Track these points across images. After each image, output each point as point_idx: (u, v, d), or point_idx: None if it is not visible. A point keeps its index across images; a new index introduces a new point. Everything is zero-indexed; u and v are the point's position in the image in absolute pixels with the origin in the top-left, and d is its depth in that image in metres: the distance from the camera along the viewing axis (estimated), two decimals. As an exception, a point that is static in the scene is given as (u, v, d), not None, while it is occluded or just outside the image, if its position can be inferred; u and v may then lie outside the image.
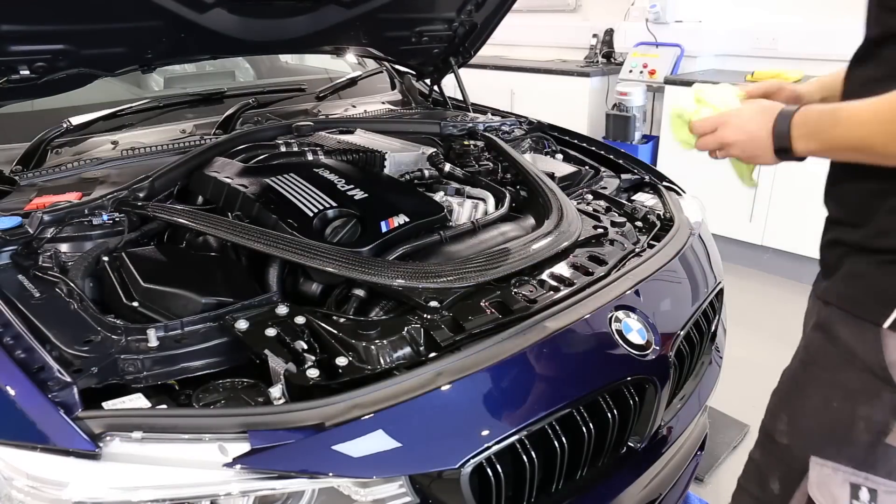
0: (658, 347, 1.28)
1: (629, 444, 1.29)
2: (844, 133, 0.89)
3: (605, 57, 4.62)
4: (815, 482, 1.00)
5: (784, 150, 0.96)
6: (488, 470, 1.03)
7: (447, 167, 1.83)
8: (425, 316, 1.18)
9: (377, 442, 0.95)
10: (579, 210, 1.64)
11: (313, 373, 1.02)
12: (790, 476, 1.05)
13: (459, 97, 2.49)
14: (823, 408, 0.99)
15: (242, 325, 1.10)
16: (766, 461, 1.11)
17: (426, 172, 1.74)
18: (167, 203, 1.54)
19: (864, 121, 0.87)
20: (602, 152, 2.13)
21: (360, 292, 1.27)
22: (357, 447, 0.94)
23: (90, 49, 1.62)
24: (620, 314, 1.28)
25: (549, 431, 1.11)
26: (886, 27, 0.90)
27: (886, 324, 0.91)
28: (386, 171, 1.73)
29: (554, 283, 1.33)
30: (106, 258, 1.27)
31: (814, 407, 0.99)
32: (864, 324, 0.93)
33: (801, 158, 0.97)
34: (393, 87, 2.62)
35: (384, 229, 1.39)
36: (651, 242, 1.59)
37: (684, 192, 1.91)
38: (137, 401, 0.98)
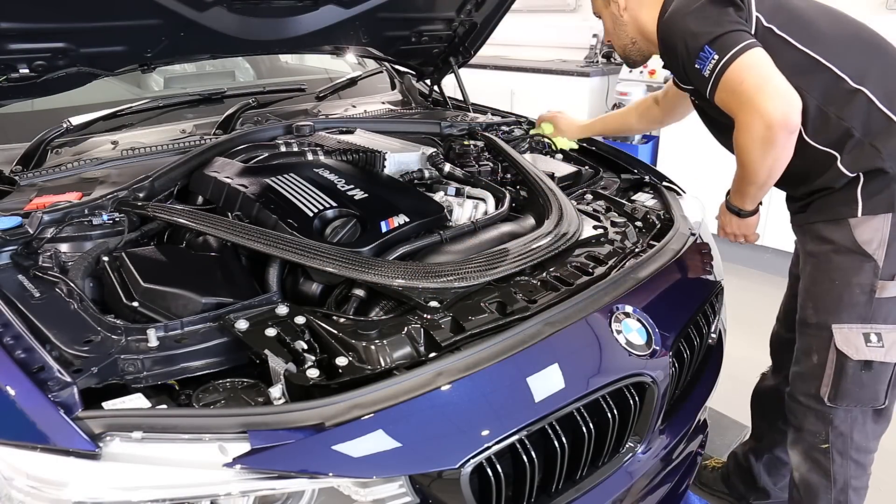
0: (658, 347, 1.28)
1: (629, 444, 1.29)
2: (741, 180, 1.49)
3: (605, 57, 4.62)
4: (841, 341, 1.44)
5: (738, 212, 1.58)
6: (488, 470, 1.03)
7: (447, 167, 1.83)
8: (425, 316, 1.18)
9: (377, 442, 0.96)
10: (579, 210, 1.64)
11: (313, 373, 1.02)
12: (822, 345, 1.48)
13: (459, 97, 2.49)
14: (831, 288, 1.45)
15: (242, 325, 1.10)
16: (806, 343, 1.54)
17: (426, 172, 1.74)
18: (167, 203, 1.54)
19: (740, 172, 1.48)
20: (602, 152, 2.13)
21: (360, 292, 1.26)
22: (357, 447, 0.94)
23: (90, 48, 1.62)
24: (620, 314, 1.28)
25: (549, 431, 1.11)
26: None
27: (852, 218, 1.41)
28: (386, 171, 1.73)
29: (554, 283, 1.33)
30: (106, 258, 1.27)
31: (826, 289, 1.46)
32: (840, 222, 1.43)
33: (754, 211, 1.58)
34: (393, 87, 2.62)
35: (384, 229, 1.39)
36: (651, 242, 1.59)
37: (684, 192, 1.91)
38: (137, 401, 0.98)
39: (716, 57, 1.32)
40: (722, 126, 1.52)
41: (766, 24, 1.38)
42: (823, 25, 1.41)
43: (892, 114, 1.37)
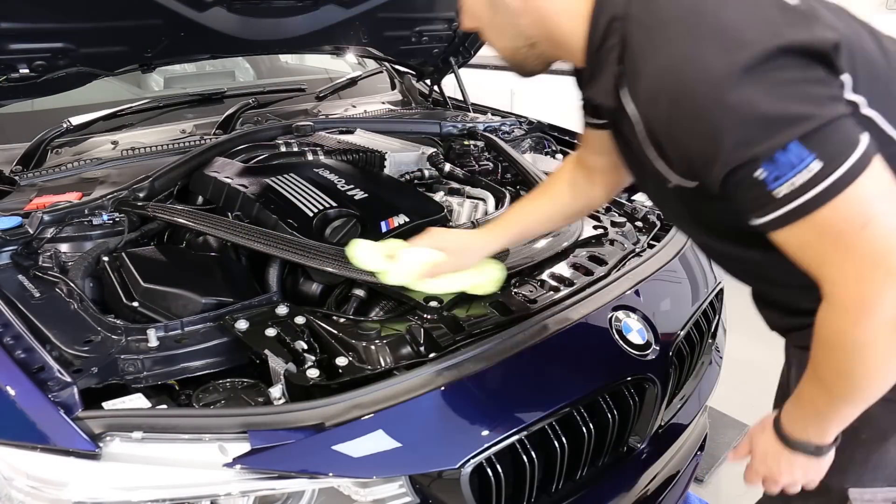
0: (658, 347, 1.28)
1: (629, 444, 1.29)
2: (826, 402, 0.87)
3: (605, 57, 4.61)
4: None
5: (819, 449, 0.93)
6: (488, 470, 1.03)
7: (447, 167, 1.83)
8: (425, 316, 1.18)
9: (377, 442, 0.95)
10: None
11: (313, 373, 1.02)
12: None
13: (459, 97, 2.49)
14: (855, 442, 0.99)
15: (242, 325, 1.10)
16: (804, 498, 1.07)
17: (426, 172, 1.74)
18: (167, 203, 1.54)
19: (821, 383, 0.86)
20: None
21: (360, 292, 1.27)
22: (357, 447, 0.94)
23: (90, 48, 1.62)
24: (620, 314, 1.28)
25: (549, 431, 1.11)
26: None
27: None
28: (386, 171, 1.73)
29: (554, 283, 1.33)
30: (106, 258, 1.27)
31: (845, 444, 0.98)
32: None
33: (834, 442, 0.93)
34: (393, 87, 2.62)
35: (384, 229, 1.39)
36: (651, 242, 1.59)
37: (684, 192, 1.91)
38: (137, 401, 0.98)
39: (815, 167, 0.70)
40: (721, 231, 0.95)
41: (863, 107, 0.79)
42: (885, 78, 0.84)
43: None
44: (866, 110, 0.79)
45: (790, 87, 0.72)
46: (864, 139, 0.72)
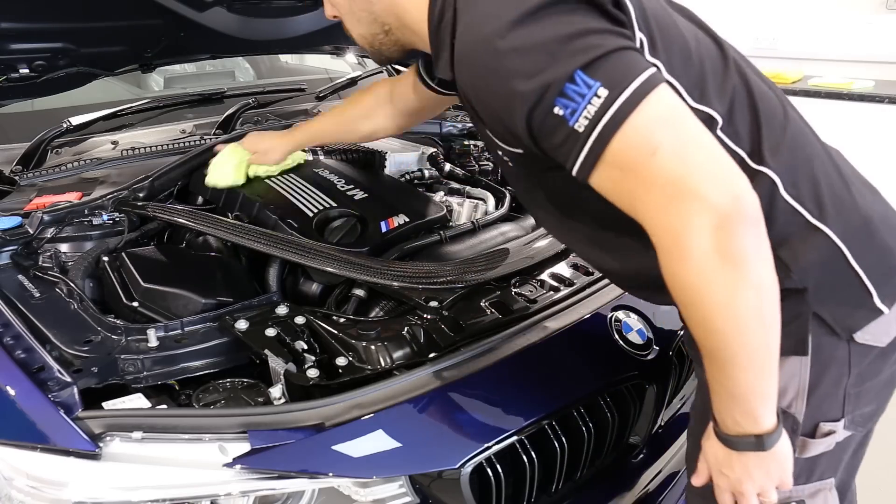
0: (658, 347, 1.28)
1: (629, 444, 1.29)
2: (725, 376, 0.78)
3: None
4: None
5: (760, 440, 0.81)
6: (488, 470, 1.03)
7: (447, 167, 1.83)
8: (425, 316, 1.18)
9: (377, 442, 0.95)
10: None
11: (313, 373, 1.02)
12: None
13: (459, 97, 2.48)
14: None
15: (242, 325, 1.10)
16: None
17: (426, 172, 1.74)
18: (167, 203, 1.54)
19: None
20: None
21: (360, 292, 1.27)
22: (357, 447, 0.94)
23: (90, 48, 1.62)
24: (620, 314, 1.28)
25: (549, 431, 1.11)
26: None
27: None
28: (386, 171, 1.73)
29: (554, 283, 1.33)
30: (106, 258, 1.27)
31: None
32: None
33: (776, 429, 0.81)
34: (393, 86, 2.62)
35: (384, 229, 1.39)
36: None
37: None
38: (137, 401, 0.98)
39: (602, 93, 0.70)
40: (570, 203, 0.94)
41: (662, 71, 0.80)
42: (696, 57, 0.86)
43: (804, 209, 0.85)
44: (665, 75, 0.80)
45: (571, 23, 0.73)
46: (650, 70, 0.72)
